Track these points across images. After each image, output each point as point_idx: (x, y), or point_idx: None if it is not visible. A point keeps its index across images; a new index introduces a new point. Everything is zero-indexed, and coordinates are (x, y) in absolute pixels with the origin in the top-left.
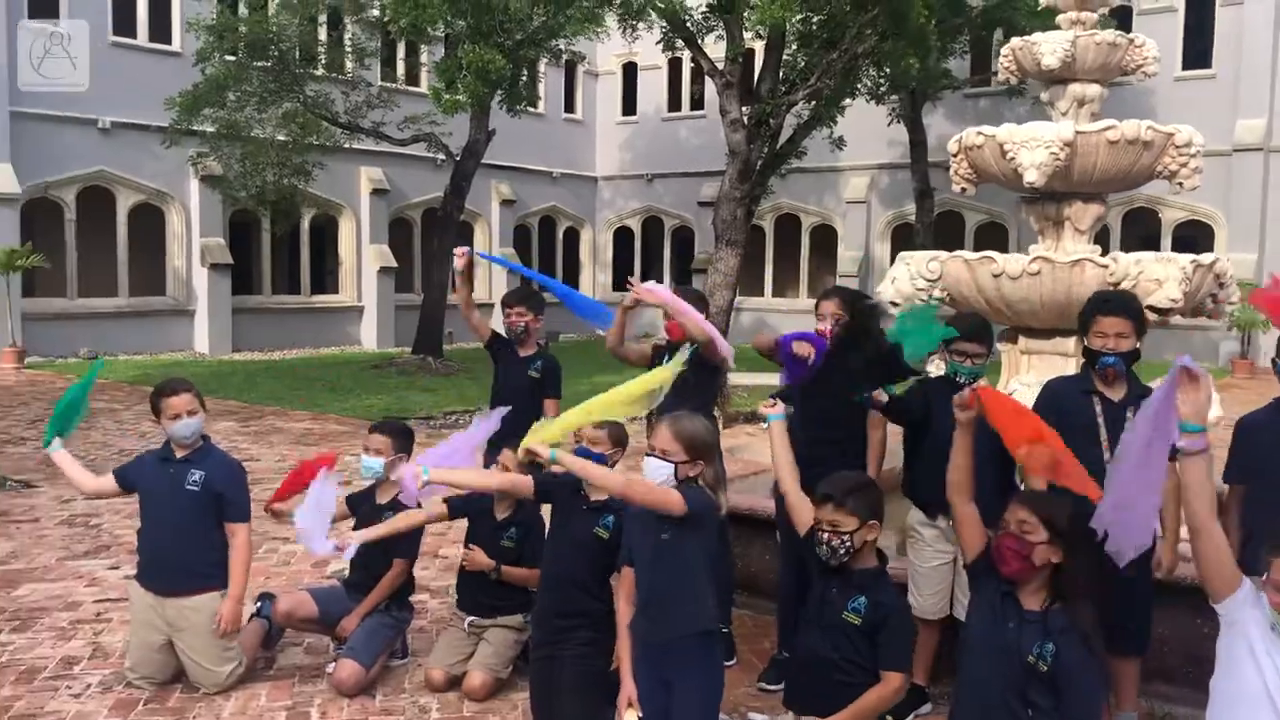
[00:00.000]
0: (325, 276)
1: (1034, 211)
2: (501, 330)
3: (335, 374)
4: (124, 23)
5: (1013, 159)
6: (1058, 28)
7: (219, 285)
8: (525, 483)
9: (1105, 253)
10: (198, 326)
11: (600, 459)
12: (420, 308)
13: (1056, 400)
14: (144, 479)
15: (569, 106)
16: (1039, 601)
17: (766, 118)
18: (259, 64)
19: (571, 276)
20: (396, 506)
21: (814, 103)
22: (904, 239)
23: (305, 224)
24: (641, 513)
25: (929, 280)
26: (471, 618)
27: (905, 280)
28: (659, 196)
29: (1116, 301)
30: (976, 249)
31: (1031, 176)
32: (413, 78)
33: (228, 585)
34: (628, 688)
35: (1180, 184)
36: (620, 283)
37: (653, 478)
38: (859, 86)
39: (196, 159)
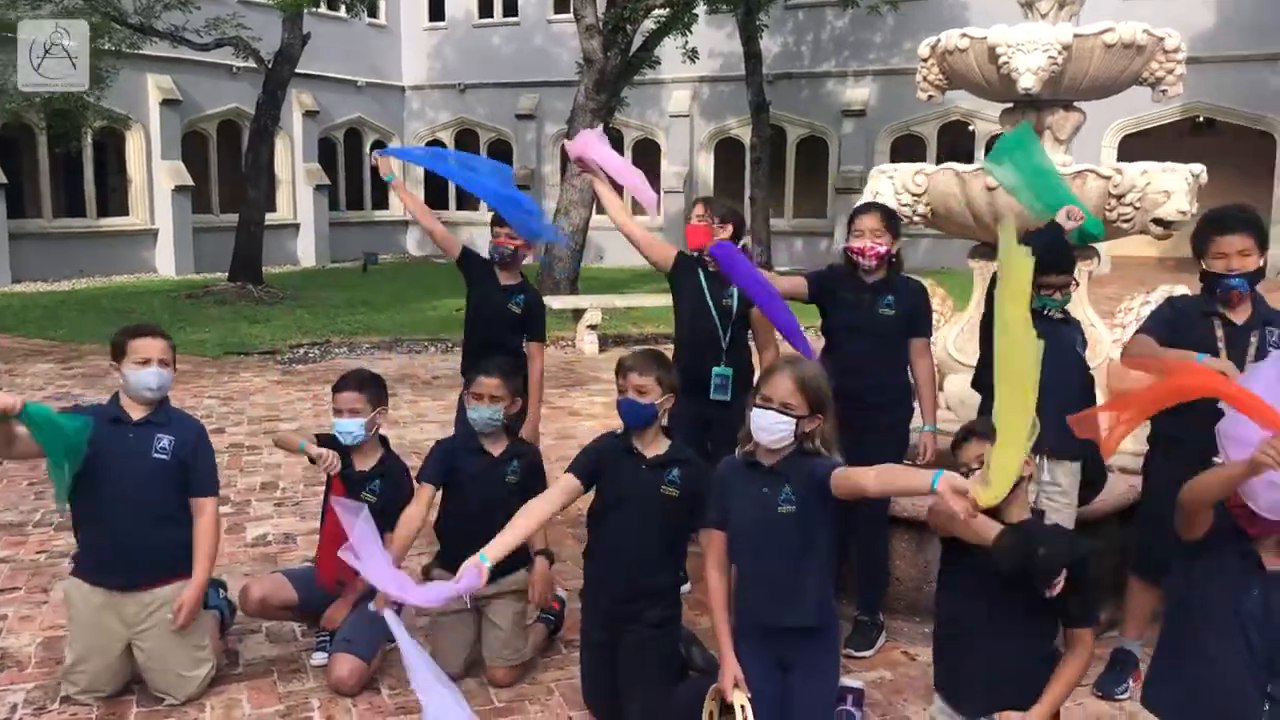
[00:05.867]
0: (110, 196)
1: (1010, 120)
2: (474, 248)
3: (145, 305)
4: None
5: (1006, 63)
6: None
7: None
8: (574, 486)
9: None
10: None
11: (651, 410)
12: (235, 230)
13: (1176, 319)
14: (95, 445)
15: (371, 10)
16: None
17: (624, 23)
18: None
19: (381, 194)
20: (384, 475)
21: (668, 9)
22: (728, 152)
23: (88, 139)
24: (744, 470)
25: (914, 194)
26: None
27: (888, 194)
28: (472, 108)
29: (1234, 217)
30: (798, 162)
31: (1028, 82)
32: None
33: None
34: (730, 666)
35: (1164, 90)
36: (435, 203)
37: (768, 436)
38: None
39: None
